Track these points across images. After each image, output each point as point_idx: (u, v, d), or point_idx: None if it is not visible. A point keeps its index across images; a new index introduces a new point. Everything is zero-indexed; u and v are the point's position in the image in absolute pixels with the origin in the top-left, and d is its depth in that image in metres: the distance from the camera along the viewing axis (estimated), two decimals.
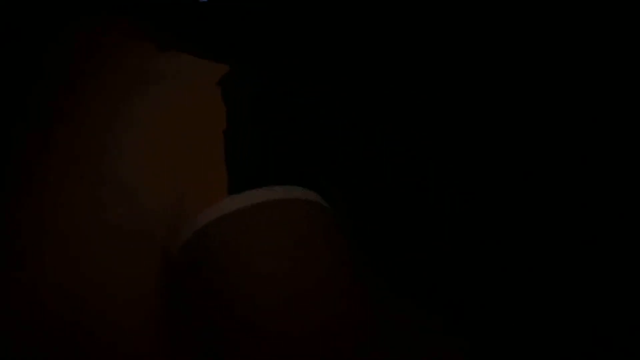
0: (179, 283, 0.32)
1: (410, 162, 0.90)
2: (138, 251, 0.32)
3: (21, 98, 0.34)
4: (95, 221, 0.32)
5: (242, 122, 0.33)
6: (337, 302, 0.29)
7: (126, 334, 0.32)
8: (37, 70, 0.35)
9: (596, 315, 0.85)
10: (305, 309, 0.28)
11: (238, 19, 0.90)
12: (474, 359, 0.90)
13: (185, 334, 0.32)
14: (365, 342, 0.29)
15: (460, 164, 0.91)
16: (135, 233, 0.32)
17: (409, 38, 0.91)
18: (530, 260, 0.91)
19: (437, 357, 0.94)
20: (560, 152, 0.90)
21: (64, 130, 0.33)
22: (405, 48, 0.92)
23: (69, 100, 0.34)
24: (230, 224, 0.31)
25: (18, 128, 0.34)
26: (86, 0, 0.36)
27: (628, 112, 0.84)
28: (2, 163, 0.34)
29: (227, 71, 0.36)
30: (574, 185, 0.89)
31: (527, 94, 0.90)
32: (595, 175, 0.87)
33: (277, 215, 0.31)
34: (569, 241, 0.89)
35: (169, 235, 0.32)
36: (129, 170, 0.32)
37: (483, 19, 0.87)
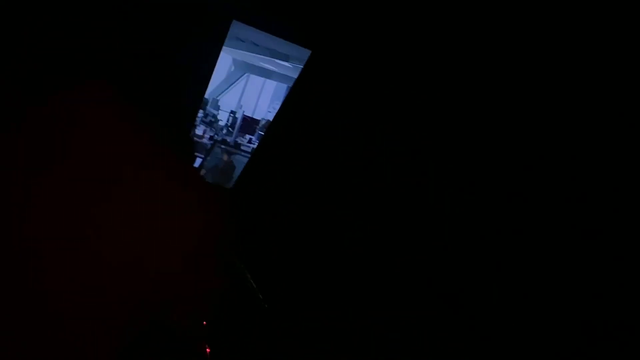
0: None
1: (410, 162, 0.90)
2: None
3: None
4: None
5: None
6: None
7: None
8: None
9: (594, 315, 0.85)
10: None
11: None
12: (474, 358, 0.90)
13: None
14: None
15: (460, 164, 0.91)
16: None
17: (408, 38, 0.91)
18: (529, 260, 0.91)
19: (436, 355, 0.94)
20: (560, 151, 0.89)
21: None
22: (405, 48, 0.92)
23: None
24: None
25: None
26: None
27: (628, 112, 0.84)
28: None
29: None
30: (573, 185, 0.89)
31: (526, 94, 0.90)
32: (595, 175, 0.87)
33: None
34: (568, 240, 0.89)
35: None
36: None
37: (483, 19, 0.87)
